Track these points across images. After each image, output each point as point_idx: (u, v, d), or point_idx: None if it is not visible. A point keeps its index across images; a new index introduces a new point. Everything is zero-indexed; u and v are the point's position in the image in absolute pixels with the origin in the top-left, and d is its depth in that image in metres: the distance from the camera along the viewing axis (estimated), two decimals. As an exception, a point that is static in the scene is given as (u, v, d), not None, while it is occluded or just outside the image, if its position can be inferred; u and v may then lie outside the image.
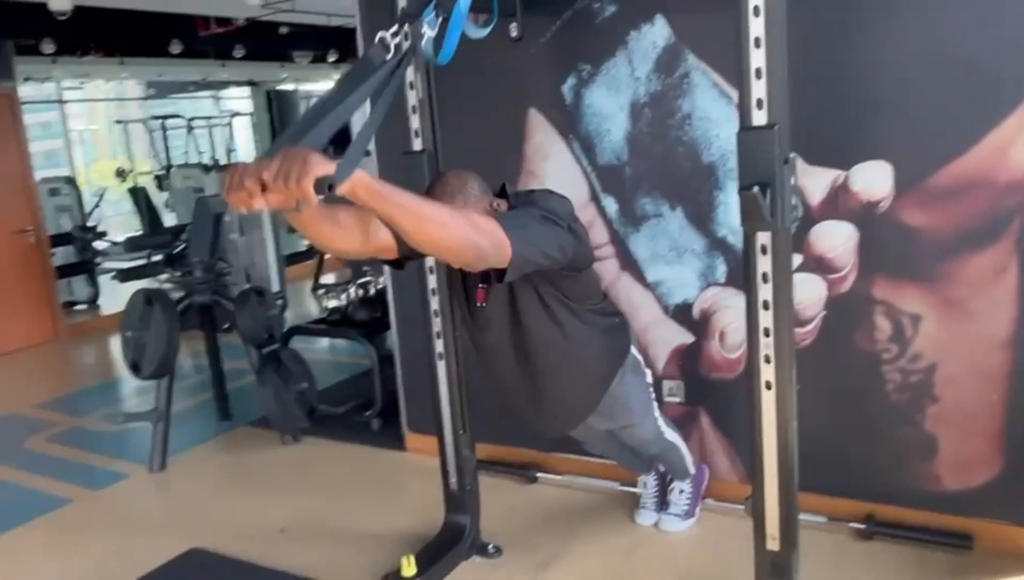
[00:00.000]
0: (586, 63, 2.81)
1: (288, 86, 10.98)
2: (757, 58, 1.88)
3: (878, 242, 2.47)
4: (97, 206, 9.14)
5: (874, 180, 2.43)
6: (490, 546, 2.73)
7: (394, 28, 1.69)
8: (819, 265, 2.57)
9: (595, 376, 2.26)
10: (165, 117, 10.61)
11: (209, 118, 11.53)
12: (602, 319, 2.23)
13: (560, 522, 2.92)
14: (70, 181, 7.97)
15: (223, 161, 10.57)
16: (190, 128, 10.97)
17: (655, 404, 2.49)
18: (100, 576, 2.81)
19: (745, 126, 1.91)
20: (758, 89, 1.90)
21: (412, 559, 2.50)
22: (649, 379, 2.44)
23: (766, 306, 2.02)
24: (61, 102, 10.78)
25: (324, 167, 1.33)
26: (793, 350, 2.02)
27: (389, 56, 1.68)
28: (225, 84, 11.05)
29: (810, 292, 2.60)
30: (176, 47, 6.63)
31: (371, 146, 3.44)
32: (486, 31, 1.90)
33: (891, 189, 2.42)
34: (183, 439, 4.03)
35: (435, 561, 2.58)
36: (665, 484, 2.84)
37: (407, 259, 2.04)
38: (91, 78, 9.63)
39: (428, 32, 1.71)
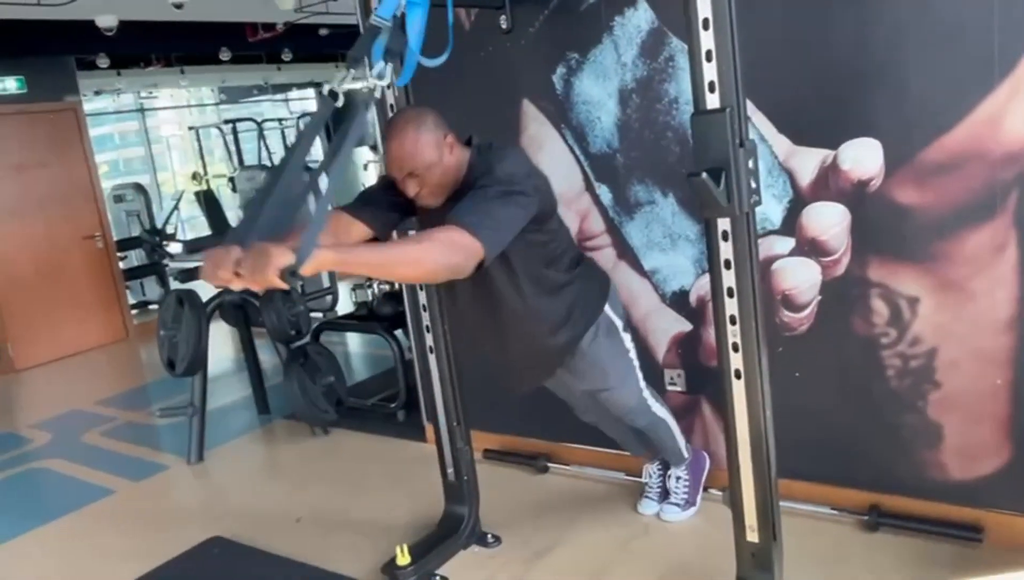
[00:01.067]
0: (574, 51, 2.79)
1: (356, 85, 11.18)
2: (707, 40, 1.84)
3: (871, 222, 2.38)
4: (176, 209, 9.57)
5: (863, 158, 2.33)
6: (489, 535, 2.76)
7: (341, 75, 1.77)
8: (812, 248, 2.48)
9: (557, 339, 2.26)
10: (236, 121, 11.00)
11: (281, 120, 11.90)
12: (572, 282, 2.24)
13: (564, 512, 2.93)
14: (138, 187, 8.38)
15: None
16: (261, 131, 11.34)
17: (639, 373, 2.47)
18: (128, 562, 2.97)
19: (698, 110, 1.88)
20: (709, 72, 1.85)
21: (406, 549, 2.55)
22: (628, 344, 2.42)
23: (730, 293, 1.98)
24: (142, 111, 11.39)
25: (284, 258, 1.46)
26: (763, 337, 1.98)
27: (339, 103, 1.78)
28: (287, 87, 11.36)
29: (804, 276, 2.52)
30: (225, 54, 6.86)
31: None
32: (441, 59, 2.01)
33: (881, 167, 2.31)
34: (224, 432, 4.23)
35: (431, 550, 2.63)
36: (666, 472, 2.80)
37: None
38: (160, 88, 10.07)
39: (377, 83, 1.77)
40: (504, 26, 2.88)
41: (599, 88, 2.77)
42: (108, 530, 3.32)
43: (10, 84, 6.21)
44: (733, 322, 1.99)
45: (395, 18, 1.93)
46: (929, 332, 2.36)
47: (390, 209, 2.17)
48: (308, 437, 4.01)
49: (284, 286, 1.50)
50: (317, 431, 4.01)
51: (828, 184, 2.41)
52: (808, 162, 2.43)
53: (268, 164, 10.48)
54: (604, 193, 2.86)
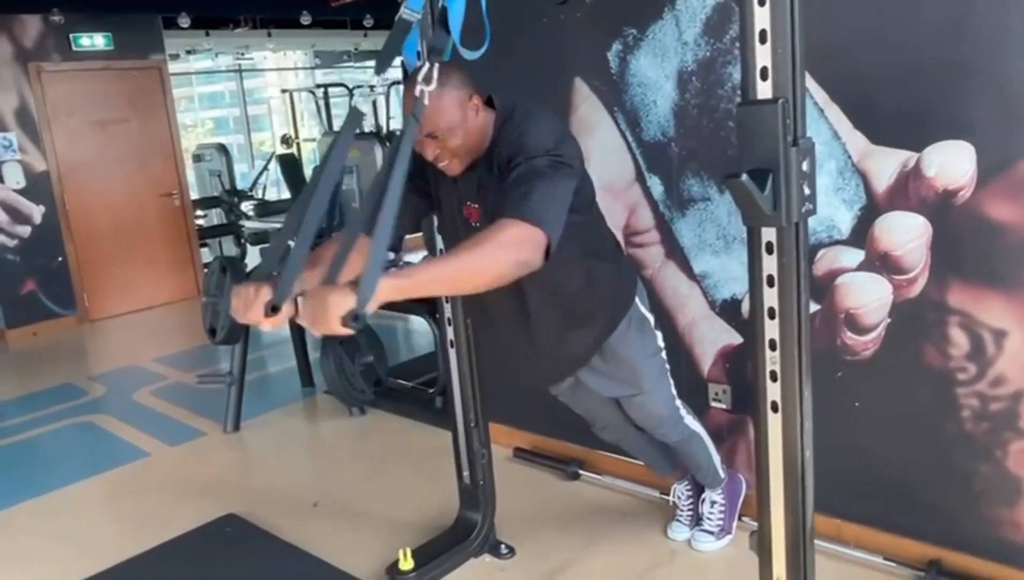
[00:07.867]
0: (632, 26, 2.53)
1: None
2: (761, 17, 1.56)
3: (955, 239, 2.05)
4: (265, 169, 9.70)
5: (951, 164, 2.00)
6: (503, 545, 2.58)
7: (376, 79, 1.67)
8: (884, 264, 2.17)
9: (588, 327, 2.06)
10: (328, 85, 11.01)
11: (373, 87, 11.81)
12: (603, 266, 2.06)
13: (589, 526, 2.72)
14: (220, 147, 8.49)
15: (385, 128, 10.73)
16: (352, 96, 11.30)
17: (670, 380, 2.26)
18: (143, 529, 2.93)
19: (745, 99, 1.61)
20: (762, 56, 1.57)
21: (409, 552, 2.41)
22: (661, 343, 2.22)
23: (772, 314, 1.71)
24: (239, 71, 11.57)
25: (345, 303, 1.35)
26: (807, 367, 1.71)
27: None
28: (376, 53, 11.29)
29: (873, 295, 2.21)
30: (306, 18, 6.80)
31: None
32: (479, 52, 1.82)
33: (972, 175, 1.98)
34: (266, 402, 4.21)
35: (437, 556, 2.47)
36: (698, 495, 2.56)
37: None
38: (251, 50, 10.18)
39: (425, 88, 1.63)
40: (559, -4, 2.64)
41: (656, 69, 2.50)
42: (134, 494, 3.32)
43: (98, 40, 6.32)
44: (773, 347, 1.72)
45: (433, 12, 1.77)
46: (1016, 372, 2.03)
47: (410, 205, 2.02)
48: (345, 415, 3.92)
49: (349, 332, 1.38)
50: (354, 410, 3.91)
51: (908, 191, 2.09)
52: (886, 164, 2.11)
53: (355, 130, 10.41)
54: (655, 185, 2.60)
